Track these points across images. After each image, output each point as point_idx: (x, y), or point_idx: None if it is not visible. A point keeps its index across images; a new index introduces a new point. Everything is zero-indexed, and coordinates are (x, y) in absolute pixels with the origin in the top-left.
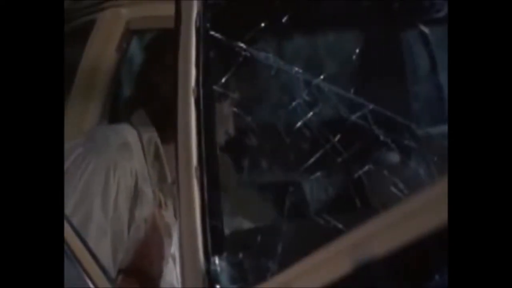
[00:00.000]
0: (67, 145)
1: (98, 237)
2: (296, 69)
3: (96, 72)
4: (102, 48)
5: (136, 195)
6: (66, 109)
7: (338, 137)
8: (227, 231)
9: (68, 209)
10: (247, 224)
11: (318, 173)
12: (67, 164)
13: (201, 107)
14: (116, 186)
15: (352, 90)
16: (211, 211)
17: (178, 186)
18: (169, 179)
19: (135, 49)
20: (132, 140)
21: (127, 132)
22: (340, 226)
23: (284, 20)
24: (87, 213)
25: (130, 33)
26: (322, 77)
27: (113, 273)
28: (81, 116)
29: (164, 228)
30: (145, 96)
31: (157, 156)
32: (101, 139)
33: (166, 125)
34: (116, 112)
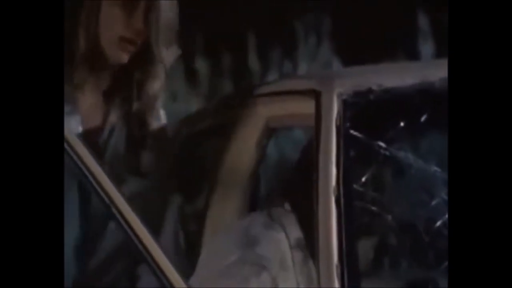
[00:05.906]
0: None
1: None
2: (435, 167)
3: (237, 168)
4: (243, 146)
5: None
6: (209, 204)
7: None
8: None
9: None
10: None
11: None
12: (225, 262)
13: (342, 206)
14: None
15: None
16: None
17: (319, 283)
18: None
19: (271, 145)
20: (284, 248)
21: (280, 240)
22: None
23: (422, 119)
24: None
25: (269, 130)
26: None
27: None
28: (222, 211)
29: None
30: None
31: (305, 261)
32: (260, 249)
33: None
34: (254, 208)
